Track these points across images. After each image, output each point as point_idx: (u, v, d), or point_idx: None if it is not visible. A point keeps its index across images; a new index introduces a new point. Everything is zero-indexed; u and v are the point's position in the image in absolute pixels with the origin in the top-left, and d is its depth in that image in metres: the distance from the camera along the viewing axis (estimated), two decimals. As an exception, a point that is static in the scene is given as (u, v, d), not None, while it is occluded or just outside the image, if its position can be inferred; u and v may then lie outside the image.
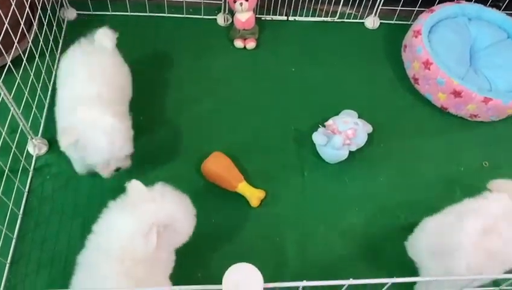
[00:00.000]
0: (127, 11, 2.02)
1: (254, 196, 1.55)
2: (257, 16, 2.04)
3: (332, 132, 1.63)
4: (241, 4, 1.86)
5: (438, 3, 2.01)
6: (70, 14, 1.99)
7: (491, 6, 2.03)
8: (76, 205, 1.53)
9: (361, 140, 1.66)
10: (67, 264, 1.41)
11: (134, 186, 1.17)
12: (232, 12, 1.99)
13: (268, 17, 2.08)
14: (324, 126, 1.68)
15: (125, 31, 1.96)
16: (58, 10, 1.92)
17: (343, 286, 0.79)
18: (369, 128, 1.70)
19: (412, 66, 1.87)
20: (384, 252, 1.52)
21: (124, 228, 1.10)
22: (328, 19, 2.11)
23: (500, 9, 2.05)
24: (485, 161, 1.75)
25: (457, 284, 0.93)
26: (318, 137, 1.63)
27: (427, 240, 1.28)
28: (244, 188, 1.56)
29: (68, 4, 1.98)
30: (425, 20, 1.90)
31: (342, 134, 1.61)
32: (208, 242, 1.47)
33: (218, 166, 1.58)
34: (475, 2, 2.02)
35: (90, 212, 1.49)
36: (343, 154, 1.65)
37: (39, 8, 1.67)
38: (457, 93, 1.73)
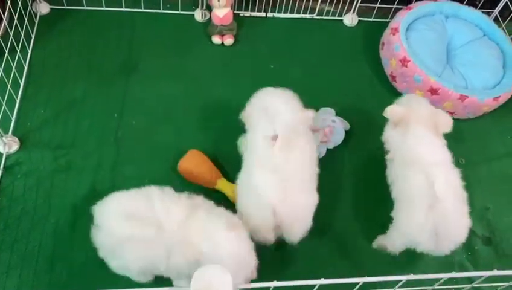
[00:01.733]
0: (102, 6, 1.97)
1: (233, 192, 1.53)
2: (235, 12, 2.02)
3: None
4: (218, 0, 1.84)
5: (416, 1, 2.02)
6: (43, 8, 1.94)
7: (468, 4, 2.05)
8: (49, 205, 1.49)
9: (338, 138, 1.65)
10: (39, 265, 1.38)
11: None
12: (209, 8, 1.96)
13: (247, 13, 2.06)
14: (302, 123, 1.67)
15: (100, 26, 1.94)
16: (30, 4, 1.87)
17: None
18: (346, 125, 1.70)
19: (390, 63, 1.87)
20: (364, 250, 1.51)
21: None
22: (307, 15, 2.10)
23: (476, 8, 2.07)
24: (462, 158, 1.76)
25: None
26: None
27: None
28: (223, 184, 1.54)
29: (41, -2, 1.93)
30: (402, 17, 1.91)
31: (320, 131, 1.60)
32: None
33: (195, 164, 1.56)
34: (452, 0, 2.04)
35: (63, 213, 1.48)
36: (321, 152, 1.64)
37: (9, 1, 1.62)
38: (434, 91, 1.74)
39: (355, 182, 1.66)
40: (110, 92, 1.77)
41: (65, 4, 1.95)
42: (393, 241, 1.41)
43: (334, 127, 1.61)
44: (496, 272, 0.86)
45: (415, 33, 1.90)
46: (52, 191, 1.52)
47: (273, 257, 1.46)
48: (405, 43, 1.82)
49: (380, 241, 1.48)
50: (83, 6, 1.97)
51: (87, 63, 1.83)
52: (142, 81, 1.81)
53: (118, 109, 1.72)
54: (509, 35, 1.99)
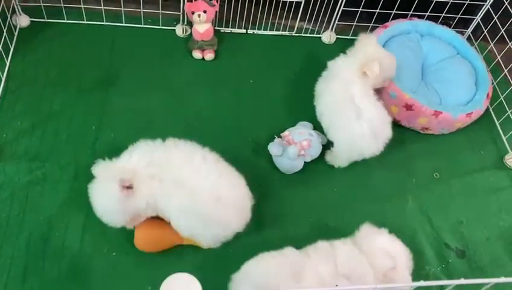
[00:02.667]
0: (83, 20, 1.99)
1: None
2: (216, 28, 2.05)
3: (287, 143, 1.65)
4: (199, 15, 1.86)
5: (392, 20, 2.08)
6: (23, 21, 1.94)
7: (442, 24, 2.12)
8: (22, 218, 1.47)
9: (315, 151, 1.68)
10: (10, 279, 1.35)
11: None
12: (190, 24, 1.98)
13: (228, 30, 2.09)
14: (280, 137, 1.69)
15: (80, 40, 1.95)
16: (9, 16, 1.87)
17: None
18: (323, 139, 1.73)
19: None
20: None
21: None
22: (286, 33, 2.14)
23: (450, 27, 2.14)
24: (436, 173, 1.80)
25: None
26: (274, 148, 1.64)
27: None
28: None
29: (21, 10, 1.93)
30: (379, 35, 1.96)
31: (297, 145, 1.62)
32: (157, 255, 1.45)
33: (154, 226, 1.43)
34: (427, 19, 2.10)
35: (37, 226, 1.46)
36: (298, 165, 1.66)
37: (-12, 13, 1.62)
38: (408, 107, 1.78)
39: (330, 194, 1.68)
40: (88, 104, 1.77)
41: (46, 17, 1.96)
42: (340, 157, 1.68)
43: (311, 140, 1.64)
44: (463, 281, 0.88)
45: (391, 50, 1.93)
46: (27, 204, 1.50)
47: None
48: None
49: (329, 158, 1.71)
50: (64, 19, 1.97)
51: (66, 75, 1.83)
52: (121, 94, 1.82)
53: (96, 122, 1.72)
54: (481, 54, 2.06)
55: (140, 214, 1.35)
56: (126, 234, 1.47)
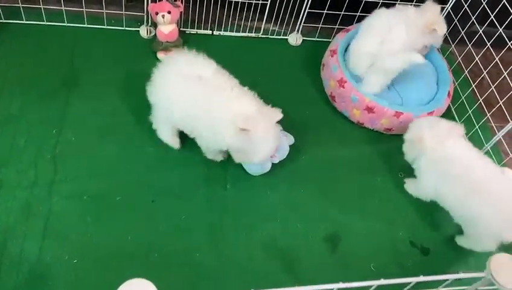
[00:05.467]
0: (43, 21, 1.93)
1: None
2: (182, 29, 2.03)
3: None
4: (163, 16, 1.84)
5: (357, 22, 2.10)
6: (-21, 21, 1.87)
7: None
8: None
9: (283, 152, 1.67)
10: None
11: None
12: (155, 25, 1.96)
13: (193, 31, 2.07)
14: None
15: (40, 42, 1.89)
16: (-37, 17, 1.80)
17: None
18: (291, 140, 1.73)
19: (329, 84, 1.92)
20: (305, 264, 1.52)
21: None
22: (253, 34, 2.14)
23: (412, 29, 2.18)
24: (401, 172, 1.82)
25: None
26: None
27: None
28: None
29: (-24, 11, 1.86)
30: (341, 39, 1.97)
31: None
32: (124, 259, 1.41)
33: None
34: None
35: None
36: (266, 167, 1.65)
37: None
38: (370, 109, 1.80)
39: (298, 195, 1.68)
40: (49, 107, 1.71)
41: (3, 17, 1.89)
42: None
43: (281, 142, 1.63)
44: (422, 278, 0.89)
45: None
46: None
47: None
48: (342, 64, 1.88)
49: None
50: (23, 20, 1.91)
51: (25, 78, 1.77)
52: (84, 96, 1.77)
53: (57, 125, 1.67)
54: (443, 55, 2.11)
55: None
56: (87, 240, 1.43)
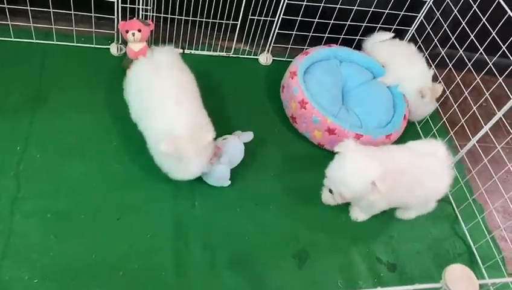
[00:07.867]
0: (11, 37, 1.91)
1: None
2: (152, 47, 2.03)
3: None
4: (133, 34, 1.85)
5: (325, 44, 2.15)
6: None
7: (359, 50, 2.19)
8: None
9: (236, 159, 1.68)
10: None
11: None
12: (125, 42, 1.96)
13: (164, 49, 2.08)
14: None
15: (6, 58, 1.87)
16: None
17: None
18: (249, 137, 1.71)
19: (290, 105, 1.93)
20: (273, 281, 1.52)
21: None
22: (224, 53, 2.16)
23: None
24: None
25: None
26: None
27: None
28: None
29: None
30: (300, 62, 1.99)
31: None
32: (87, 279, 1.38)
33: None
34: (344, 45, 2.17)
35: None
36: (225, 176, 1.66)
37: None
38: (331, 131, 1.82)
39: (266, 212, 1.69)
40: (14, 124, 1.68)
41: (-32, 34, 1.87)
42: None
43: (224, 144, 1.65)
44: (381, 290, 0.90)
45: (311, 76, 1.98)
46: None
47: None
48: (303, 85, 1.89)
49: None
50: (-12, 36, 1.89)
51: (-11, 94, 1.74)
52: (51, 114, 1.75)
53: (21, 142, 1.64)
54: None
55: None
56: (50, 259, 1.39)
